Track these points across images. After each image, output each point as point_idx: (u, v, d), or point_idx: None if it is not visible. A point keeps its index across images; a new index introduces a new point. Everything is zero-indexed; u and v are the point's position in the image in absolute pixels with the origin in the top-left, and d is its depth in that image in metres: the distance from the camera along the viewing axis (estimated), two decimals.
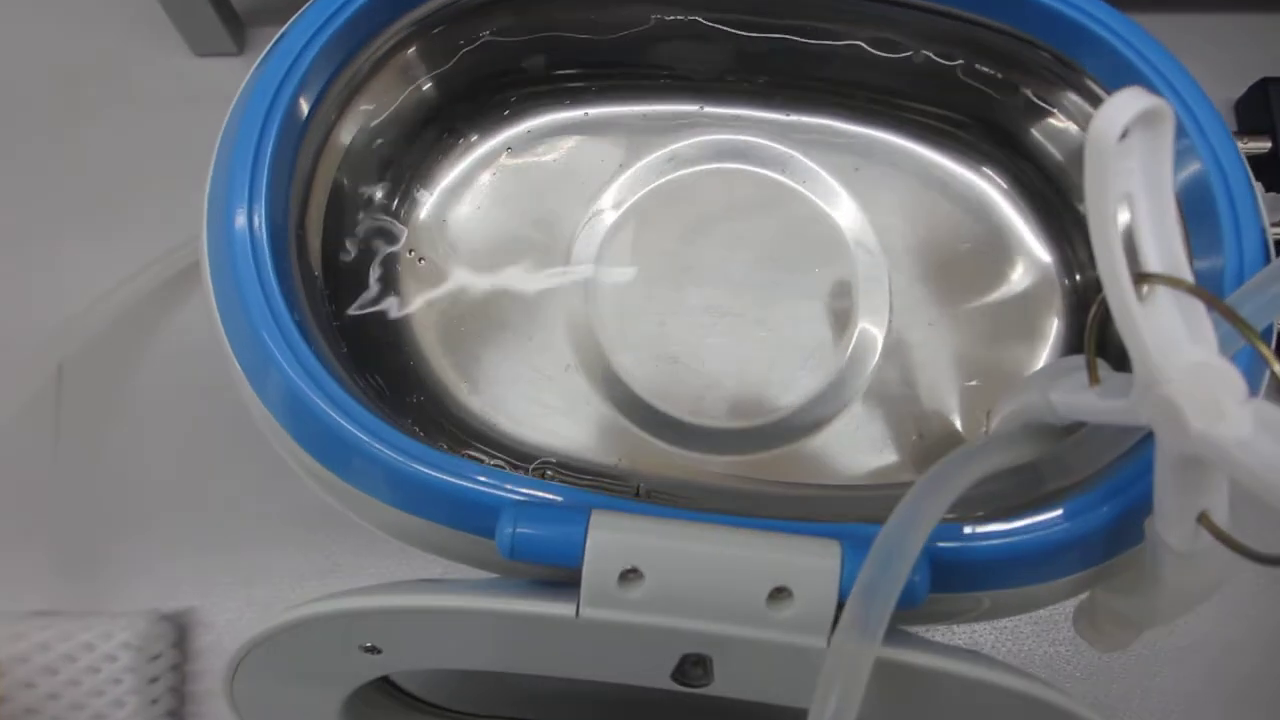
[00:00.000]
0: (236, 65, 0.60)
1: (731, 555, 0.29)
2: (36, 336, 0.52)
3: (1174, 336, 0.27)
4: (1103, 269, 0.28)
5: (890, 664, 0.29)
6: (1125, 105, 0.26)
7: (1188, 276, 0.27)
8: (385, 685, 0.41)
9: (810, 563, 0.29)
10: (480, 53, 0.42)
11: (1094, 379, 0.31)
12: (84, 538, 0.52)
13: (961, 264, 0.43)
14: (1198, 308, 0.27)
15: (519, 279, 0.43)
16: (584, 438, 0.41)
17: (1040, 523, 0.31)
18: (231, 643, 0.47)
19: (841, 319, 0.42)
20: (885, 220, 0.44)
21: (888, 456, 0.41)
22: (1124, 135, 0.27)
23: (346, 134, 0.39)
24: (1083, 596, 0.36)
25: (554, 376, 0.42)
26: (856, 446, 0.41)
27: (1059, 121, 0.42)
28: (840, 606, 0.29)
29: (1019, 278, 0.43)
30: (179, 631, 0.51)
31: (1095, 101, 0.39)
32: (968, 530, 0.31)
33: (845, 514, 0.38)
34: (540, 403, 0.41)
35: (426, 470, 0.32)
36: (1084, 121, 0.40)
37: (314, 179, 0.38)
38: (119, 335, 0.54)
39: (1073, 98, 0.41)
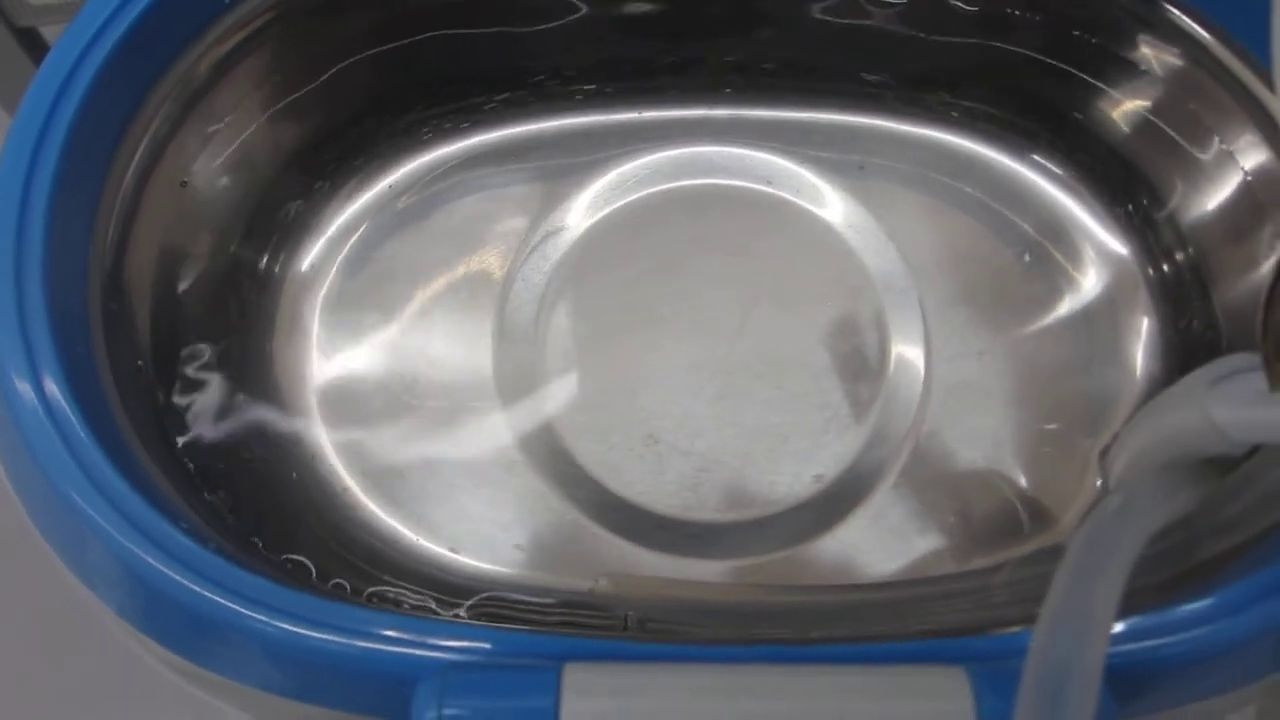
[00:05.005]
0: None
1: (800, 709, 0.18)
2: None
3: None
4: None
5: None
6: None
7: None
8: None
9: (928, 710, 0.18)
10: (358, 62, 0.36)
11: (1277, 380, 0.23)
12: None
13: (1011, 273, 0.37)
14: None
15: (436, 354, 0.35)
16: (544, 557, 0.33)
17: (1259, 589, 0.23)
18: None
19: (866, 363, 0.35)
20: (906, 229, 0.37)
21: (955, 533, 0.34)
22: None
23: (189, 159, 0.32)
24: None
25: (496, 479, 0.34)
26: (906, 528, 0.34)
27: (1125, 74, 0.36)
28: None
29: (1091, 279, 0.36)
30: None
31: (1179, 39, 0.33)
32: (1151, 620, 0.23)
33: (923, 623, 0.30)
34: (479, 516, 0.33)
35: (301, 630, 0.22)
36: (1161, 71, 0.34)
37: (133, 225, 0.30)
38: None
39: (1146, 43, 0.34)
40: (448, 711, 0.19)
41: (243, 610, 0.22)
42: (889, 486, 0.34)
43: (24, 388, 0.24)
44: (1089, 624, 0.20)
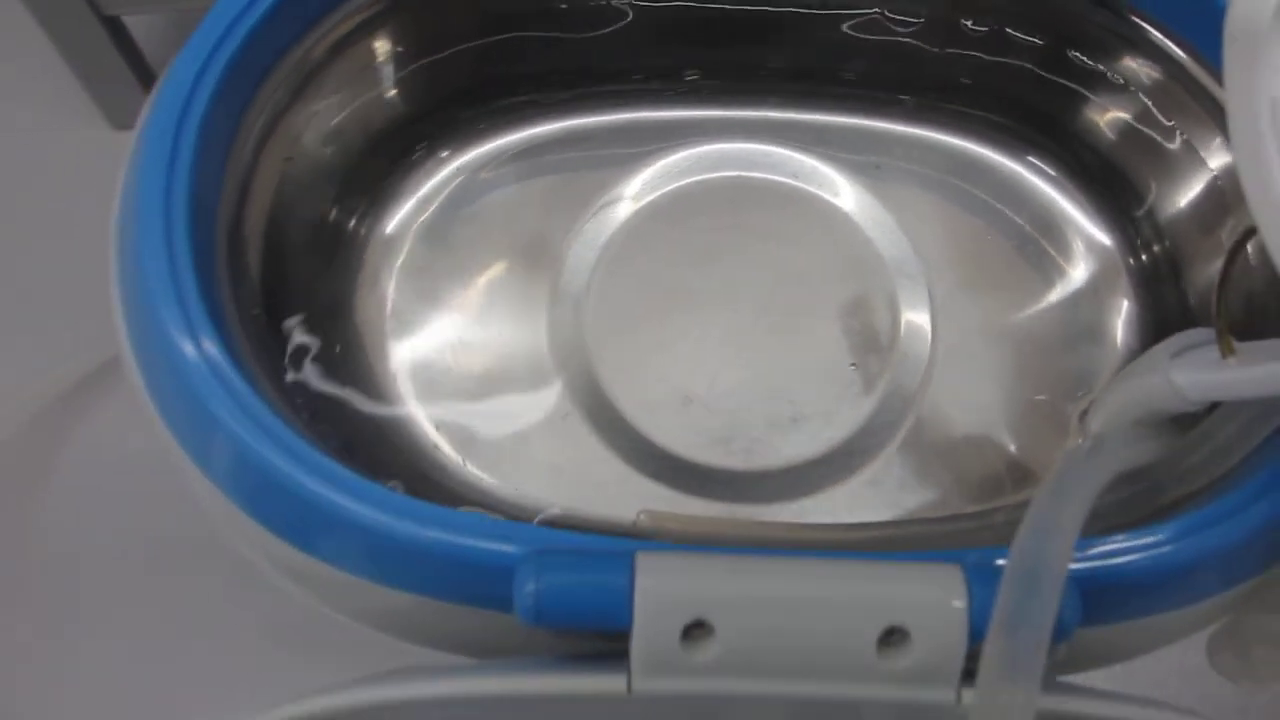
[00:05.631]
0: None
1: (826, 593, 0.23)
2: None
3: None
4: (1252, 191, 0.23)
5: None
6: None
7: None
8: None
9: (929, 594, 0.23)
10: (448, 55, 0.38)
11: (1228, 349, 0.27)
12: None
13: (1009, 262, 0.39)
14: None
15: (500, 315, 0.38)
16: (593, 496, 0.35)
17: (1210, 516, 0.26)
18: None
19: (879, 338, 0.38)
20: (916, 222, 0.39)
21: (950, 487, 0.36)
22: None
23: (297, 133, 0.35)
24: (1214, 628, 0.31)
25: (551, 427, 0.36)
26: (907, 484, 0.36)
27: (1111, 87, 0.38)
28: (973, 638, 0.23)
29: (1079, 268, 0.39)
30: None
31: (1156, 57, 0.36)
32: (1115, 543, 0.26)
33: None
34: (536, 458, 0.36)
35: (416, 528, 0.25)
36: (1142, 84, 0.37)
37: (249, 192, 0.33)
38: (27, 445, 0.47)
39: (1129, 59, 0.37)
40: (544, 584, 0.23)
41: (363, 509, 0.25)
42: (895, 448, 0.36)
43: (177, 330, 0.27)
44: (1059, 532, 0.23)
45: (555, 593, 0.23)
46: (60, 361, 0.47)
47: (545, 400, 0.37)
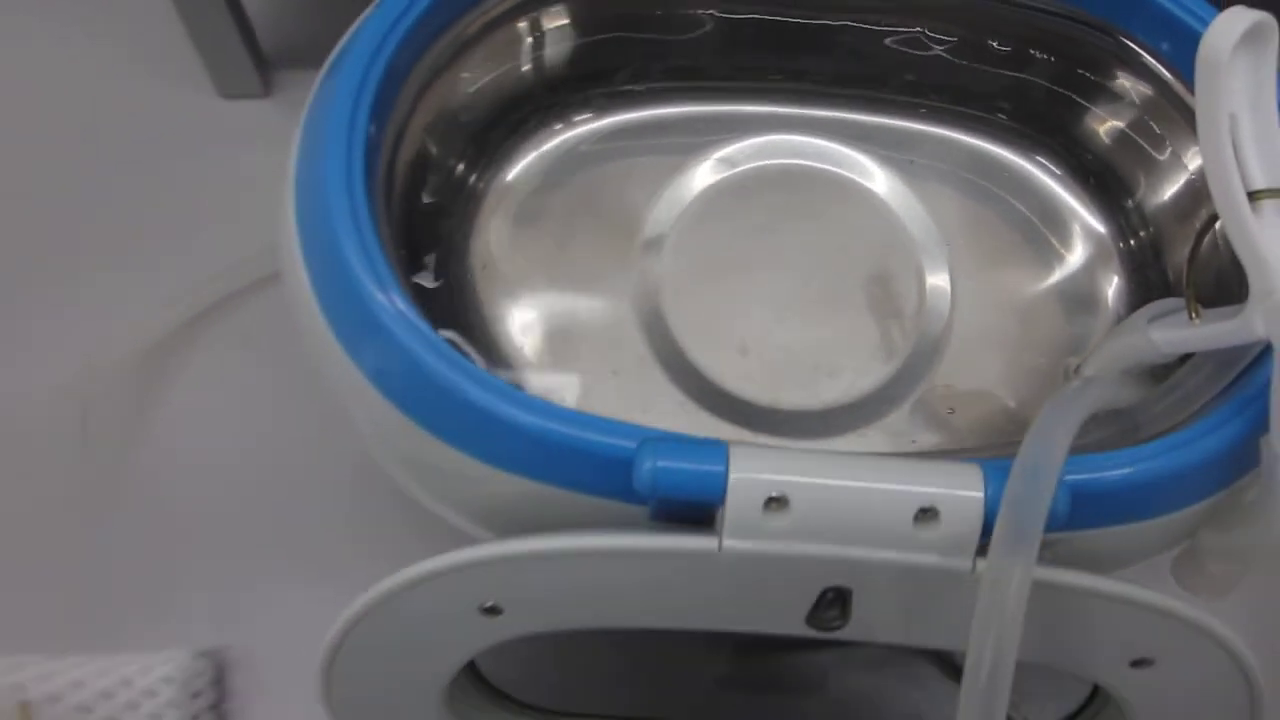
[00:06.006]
0: (264, 108, 0.60)
1: (877, 479, 0.29)
2: (60, 375, 0.50)
3: None
4: (1215, 186, 0.29)
5: (1040, 587, 0.28)
6: (1236, 20, 0.28)
7: None
8: (482, 682, 0.40)
9: (955, 482, 0.29)
10: (573, 45, 0.43)
11: (1195, 312, 0.33)
12: (117, 573, 0.49)
13: (1018, 245, 0.44)
14: None
15: (587, 268, 0.43)
16: (662, 426, 0.38)
17: (1173, 443, 0.31)
18: (273, 682, 0.46)
19: (906, 305, 0.43)
20: (942, 210, 0.45)
21: (963, 434, 0.41)
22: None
23: (445, 95, 0.40)
24: (1179, 550, 0.35)
25: (627, 366, 0.42)
26: (931, 426, 0.41)
27: (1110, 101, 0.43)
28: (985, 531, 0.29)
29: (1076, 250, 0.44)
30: (217, 670, 0.48)
31: (1147, 76, 0.41)
32: (1100, 460, 0.31)
33: None
34: (614, 392, 0.41)
35: (553, 424, 0.30)
36: (1134, 98, 0.43)
37: (398, 153, 0.37)
38: (147, 368, 0.53)
39: (1124, 78, 0.42)
40: (659, 464, 0.28)
41: (506, 405, 0.30)
42: (916, 399, 0.41)
43: (353, 251, 0.31)
44: (1055, 439, 0.28)
45: (667, 472, 0.29)
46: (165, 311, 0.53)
47: (623, 343, 0.42)
